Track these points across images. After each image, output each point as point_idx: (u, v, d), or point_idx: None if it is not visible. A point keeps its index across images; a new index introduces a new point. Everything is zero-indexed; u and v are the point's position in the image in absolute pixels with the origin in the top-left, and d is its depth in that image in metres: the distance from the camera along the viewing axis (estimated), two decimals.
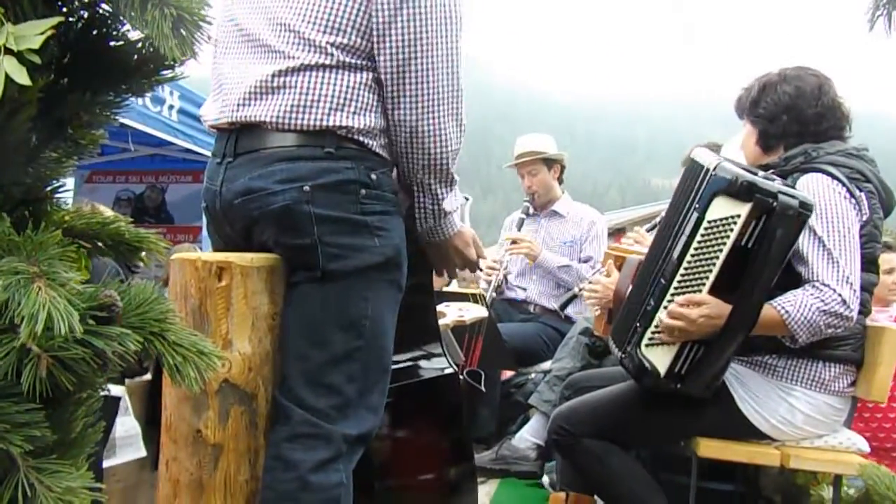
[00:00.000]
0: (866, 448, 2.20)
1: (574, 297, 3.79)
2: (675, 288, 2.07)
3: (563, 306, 3.84)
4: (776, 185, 2.01)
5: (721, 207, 2.01)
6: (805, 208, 1.97)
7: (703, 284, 2.04)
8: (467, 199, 4.14)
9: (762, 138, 2.35)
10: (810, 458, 2.15)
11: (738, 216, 1.98)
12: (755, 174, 2.04)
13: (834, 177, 2.13)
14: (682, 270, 2.07)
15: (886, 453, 2.88)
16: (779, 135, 2.31)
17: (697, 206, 2.05)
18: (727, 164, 2.04)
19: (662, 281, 2.09)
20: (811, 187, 2.12)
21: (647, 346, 2.12)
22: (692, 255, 2.05)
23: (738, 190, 1.98)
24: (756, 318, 2.02)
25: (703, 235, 2.03)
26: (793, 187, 2.11)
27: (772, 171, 2.24)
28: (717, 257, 2.01)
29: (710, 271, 2.03)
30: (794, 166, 2.22)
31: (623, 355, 2.21)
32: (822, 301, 2.01)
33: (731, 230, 1.99)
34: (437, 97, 1.54)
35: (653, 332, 2.10)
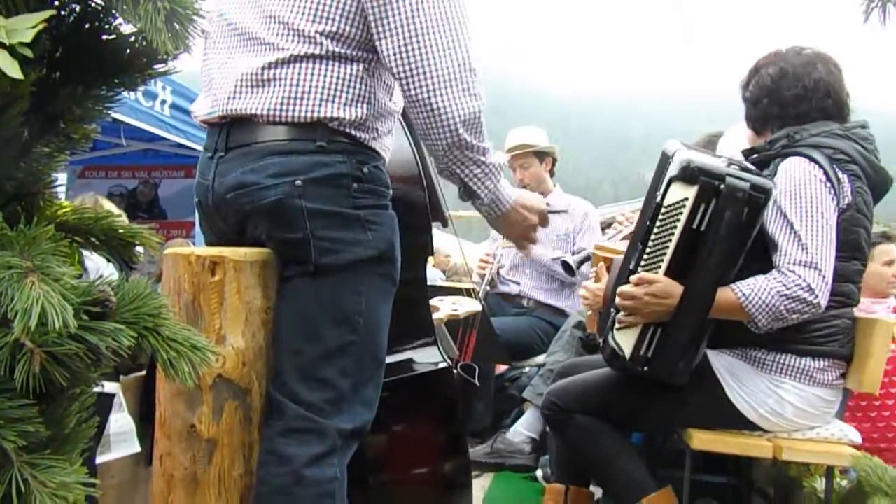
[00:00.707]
0: (858, 440, 2.22)
1: (588, 258, 3.79)
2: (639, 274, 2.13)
3: (579, 265, 3.84)
4: (726, 168, 2.04)
5: (674, 192, 2.07)
6: (757, 191, 1.99)
7: (660, 268, 2.09)
8: None
9: (748, 121, 2.37)
10: (803, 449, 2.17)
11: (687, 199, 2.04)
12: (717, 158, 2.11)
13: (812, 160, 2.10)
14: (644, 256, 2.13)
15: (880, 453, 2.87)
16: (762, 118, 2.32)
17: (658, 193, 2.11)
18: (684, 151, 2.08)
19: (631, 268, 2.16)
20: (787, 171, 2.12)
21: (617, 330, 2.18)
22: (652, 241, 2.12)
23: (688, 174, 2.03)
24: (710, 300, 2.05)
25: (660, 221, 2.09)
26: (774, 172, 2.13)
27: (756, 155, 2.25)
28: (671, 241, 2.07)
29: (665, 255, 2.09)
30: (776, 150, 2.21)
31: (601, 342, 2.26)
32: (784, 285, 2.01)
33: (682, 213, 2.04)
34: (445, 71, 1.49)
35: (622, 317, 2.17)
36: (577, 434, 2.32)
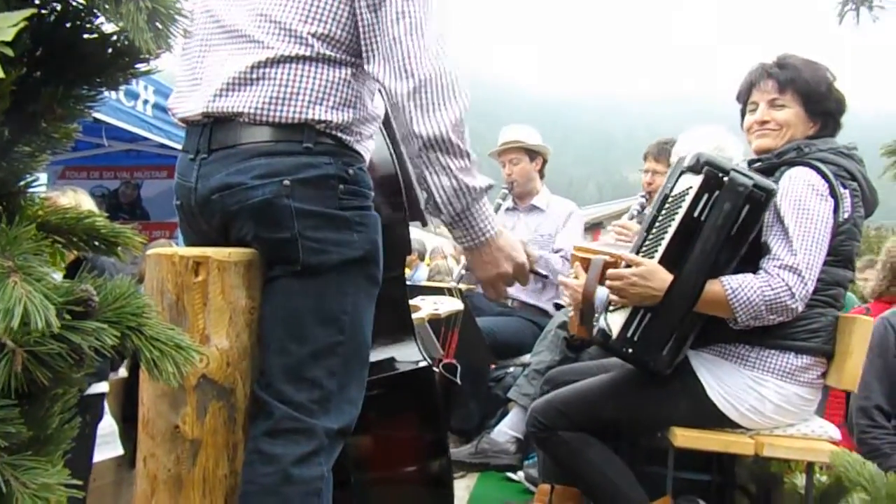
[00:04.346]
0: (838, 436, 2.24)
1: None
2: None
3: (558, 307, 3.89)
4: (734, 165, 2.12)
5: (682, 183, 2.18)
6: (760, 189, 2.06)
7: (657, 253, 2.17)
8: None
9: (822, 129, 2.33)
10: (783, 446, 2.19)
11: (692, 187, 2.12)
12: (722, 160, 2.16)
13: (820, 172, 2.17)
14: (646, 243, 2.22)
15: None
16: (830, 133, 2.34)
17: (669, 185, 2.22)
18: (697, 151, 2.18)
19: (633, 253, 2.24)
20: (794, 178, 2.18)
21: (610, 311, 2.26)
22: (655, 228, 2.21)
23: (698, 166, 2.13)
24: (700, 288, 2.10)
25: (665, 209, 2.20)
26: (779, 179, 2.17)
27: (760, 163, 2.29)
28: (671, 226, 2.14)
29: (664, 240, 2.16)
30: (784, 160, 2.26)
31: (596, 323, 2.31)
32: (770, 286, 2.08)
33: (685, 201, 2.12)
34: (427, 79, 1.49)
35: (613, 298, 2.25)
36: (564, 451, 2.33)
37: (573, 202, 4.40)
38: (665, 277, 2.11)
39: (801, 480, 2.43)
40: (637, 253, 2.22)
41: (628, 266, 2.18)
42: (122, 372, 2.90)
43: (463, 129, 1.54)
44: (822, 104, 2.29)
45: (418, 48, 1.50)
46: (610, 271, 2.20)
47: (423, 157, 1.52)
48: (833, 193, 2.16)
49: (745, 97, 2.41)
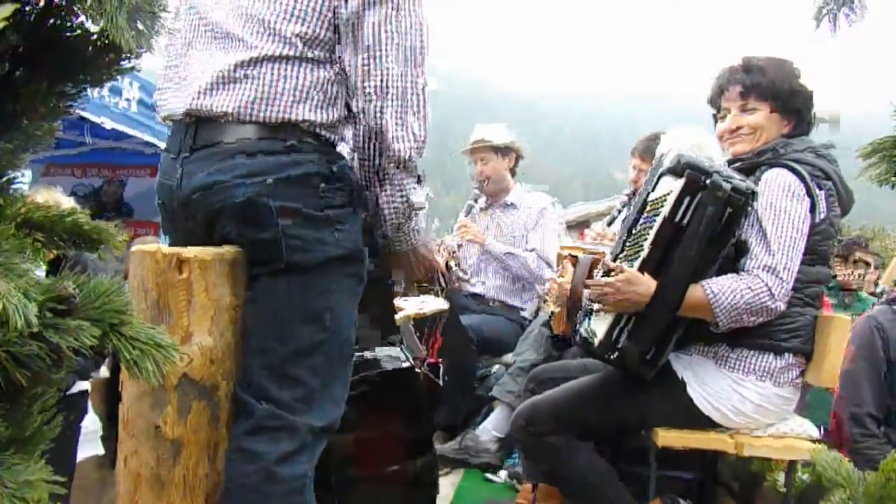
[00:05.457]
0: (816, 434, 2.27)
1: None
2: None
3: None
4: (716, 167, 2.09)
5: (663, 186, 2.15)
6: (738, 193, 2.04)
7: (639, 258, 2.15)
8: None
9: (796, 127, 2.34)
10: (763, 445, 2.21)
11: (672, 191, 2.10)
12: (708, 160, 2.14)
13: (797, 173, 2.18)
14: (626, 247, 2.21)
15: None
16: (804, 130, 2.35)
17: (648, 189, 2.19)
18: (677, 151, 2.17)
19: (613, 256, 2.25)
20: (771, 179, 2.19)
21: (593, 318, 2.26)
22: (636, 232, 2.19)
23: (677, 168, 2.11)
24: (681, 294, 2.10)
25: (647, 213, 2.17)
26: (758, 180, 2.18)
27: (740, 163, 2.30)
28: (652, 231, 2.12)
29: (645, 245, 2.14)
30: (763, 160, 2.27)
31: (578, 328, 2.32)
32: (749, 287, 2.09)
33: (666, 205, 2.10)
34: (400, 92, 1.54)
35: (595, 306, 2.25)
36: (550, 458, 2.31)
37: (548, 196, 4.37)
38: (650, 283, 2.10)
39: (783, 478, 2.45)
40: (616, 258, 2.20)
41: (607, 273, 2.18)
42: (104, 372, 2.88)
43: (425, 147, 1.61)
44: (791, 102, 2.30)
45: (394, 61, 1.53)
46: (593, 280, 2.21)
47: (387, 169, 1.62)
48: (809, 193, 2.17)
49: (716, 102, 2.41)
